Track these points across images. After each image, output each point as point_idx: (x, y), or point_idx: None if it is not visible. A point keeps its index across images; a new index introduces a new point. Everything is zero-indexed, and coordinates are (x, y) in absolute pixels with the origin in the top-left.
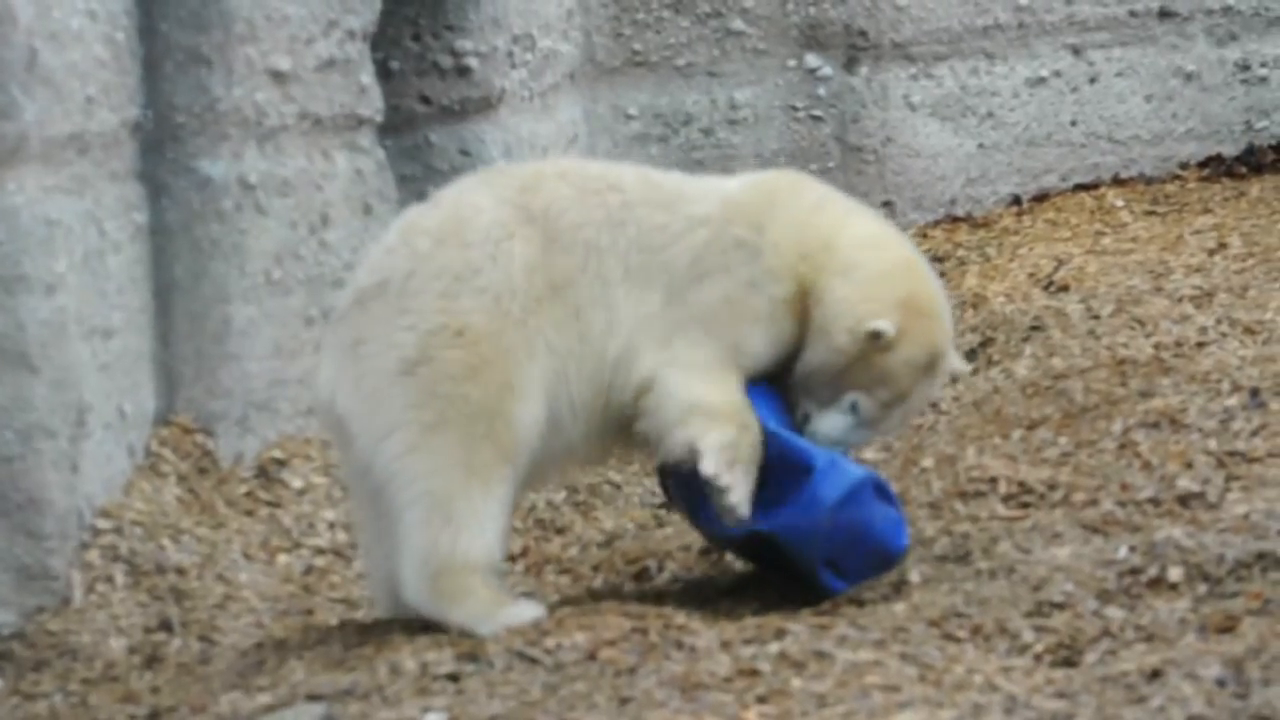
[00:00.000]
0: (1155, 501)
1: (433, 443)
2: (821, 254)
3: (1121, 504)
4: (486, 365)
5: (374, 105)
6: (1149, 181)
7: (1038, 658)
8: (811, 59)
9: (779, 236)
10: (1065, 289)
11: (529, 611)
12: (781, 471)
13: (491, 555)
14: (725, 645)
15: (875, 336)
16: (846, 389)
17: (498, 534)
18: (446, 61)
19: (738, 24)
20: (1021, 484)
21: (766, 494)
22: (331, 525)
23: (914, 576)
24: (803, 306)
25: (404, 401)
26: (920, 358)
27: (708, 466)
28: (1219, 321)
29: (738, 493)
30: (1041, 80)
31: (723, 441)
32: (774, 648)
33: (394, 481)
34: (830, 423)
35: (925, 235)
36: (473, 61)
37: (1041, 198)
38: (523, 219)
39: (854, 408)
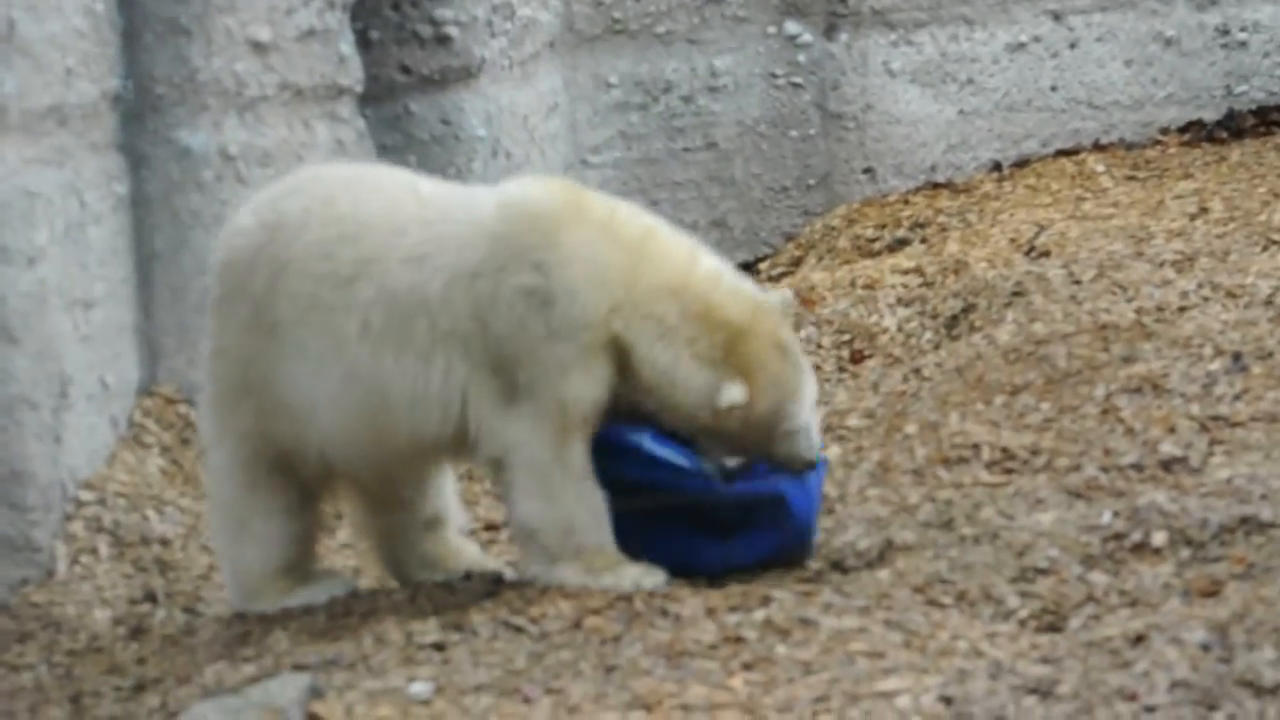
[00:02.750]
0: (1138, 466)
1: (220, 445)
2: (628, 310)
3: (1105, 469)
4: (247, 388)
5: (354, 75)
6: (1130, 147)
7: (1022, 623)
8: (791, 26)
9: (572, 280)
10: (1046, 254)
11: (321, 596)
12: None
13: (276, 559)
14: (710, 613)
15: (731, 407)
16: (767, 436)
17: (284, 540)
18: (426, 31)
19: None
20: (1004, 450)
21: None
22: None
23: (898, 543)
24: (620, 353)
25: (206, 404)
26: (782, 378)
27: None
28: (1200, 286)
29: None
30: (1021, 46)
31: (570, 576)
32: (759, 615)
33: (205, 465)
34: (790, 446)
35: (906, 202)
36: (452, 30)
37: (1022, 163)
38: (260, 257)
39: (789, 433)
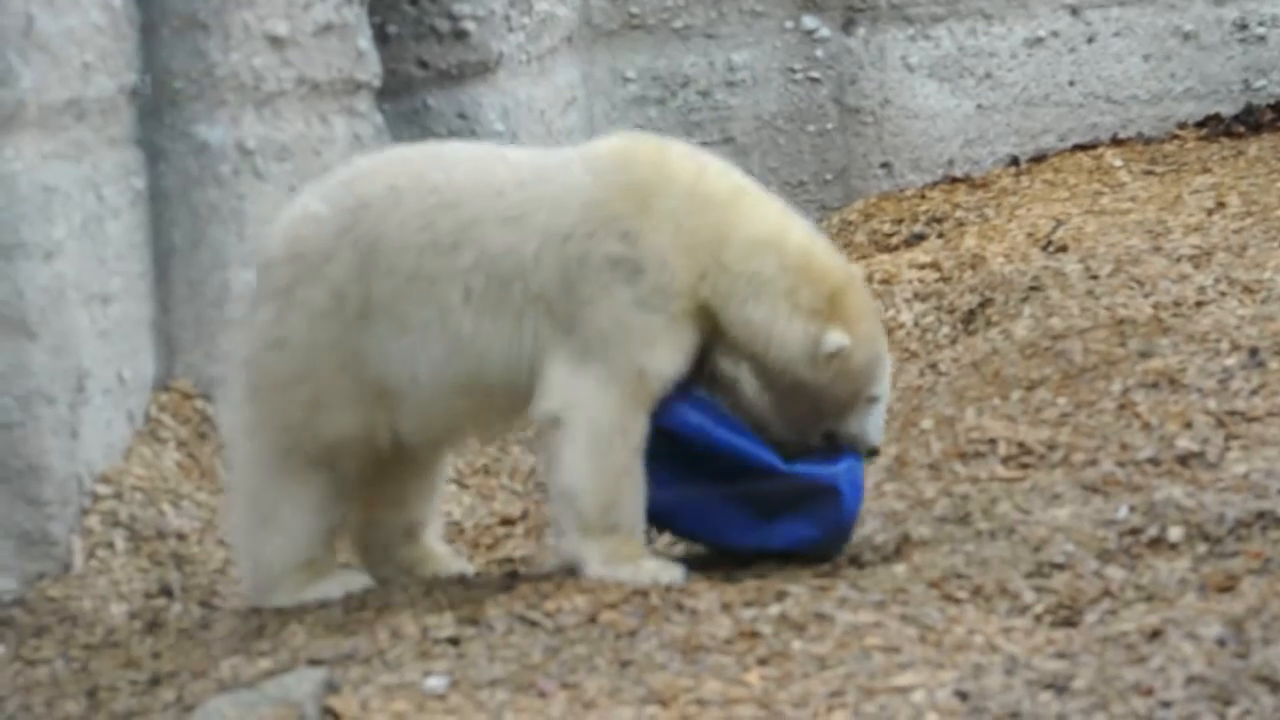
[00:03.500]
0: (1155, 461)
1: (253, 438)
2: (718, 274)
3: (1121, 464)
4: (298, 380)
5: (371, 70)
6: (1147, 141)
7: (1038, 618)
8: (809, 20)
9: (661, 249)
10: (1064, 249)
11: (337, 591)
12: (806, 497)
13: (300, 554)
14: (726, 607)
15: (833, 355)
16: (855, 397)
17: (310, 536)
18: (444, 25)
19: None
20: (1021, 444)
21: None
22: None
23: (914, 538)
24: (706, 319)
25: (241, 391)
26: (877, 334)
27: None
28: (1218, 281)
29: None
30: (1039, 40)
31: (594, 555)
32: (774, 610)
33: (230, 463)
34: (862, 424)
35: (924, 196)
36: (470, 25)
37: (1040, 158)
38: (343, 241)
39: (872, 399)
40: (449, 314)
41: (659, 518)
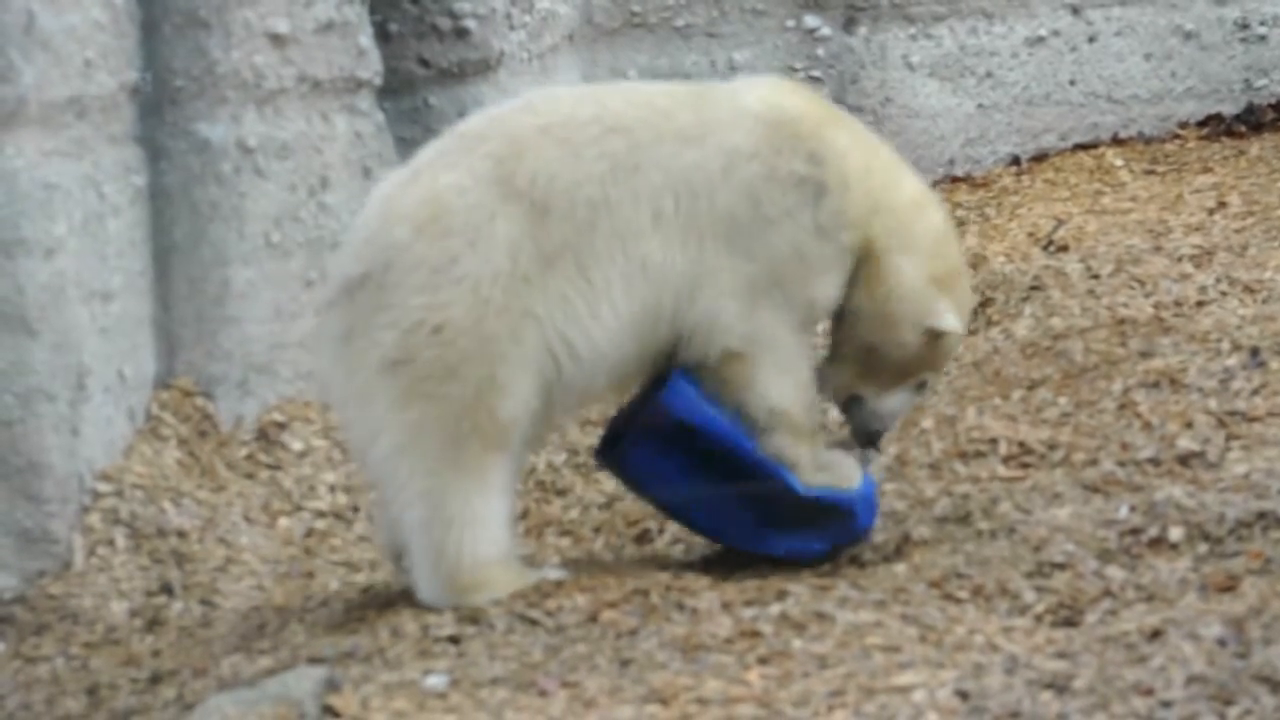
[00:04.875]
0: (1155, 461)
1: (419, 443)
2: (886, 215)
3: (1122, 464)
4: (466, 362)
5: (373, 68)
6: (1148, 141)
7: (1038, 618)
8: (810, 19)
9: (844, 173)
10: (1065, 249)
11: (555, 574)
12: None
13: (498, 546)
14: (726, 607)
15: (940, 332)
16: (916, 372)
17: (501, 522)
18: (445, 23)
19: None
20: (1022, 444)
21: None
22: (332, 488)
23: (915, 537)
24: (863, 260)
25: (388, 401)
26: (965, 326)
27: (797, 485)
28: (1218, 281)
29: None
30: (1040, 40)
31: (809, 462)
32: (775, 609)
33: (390, 482)
34: (892, 405)
35: None
36: (471, 23)
37: (1041, 157)
38: (505, 195)
39: (921, 385)
40: (636, 241)
41: (672, 509)
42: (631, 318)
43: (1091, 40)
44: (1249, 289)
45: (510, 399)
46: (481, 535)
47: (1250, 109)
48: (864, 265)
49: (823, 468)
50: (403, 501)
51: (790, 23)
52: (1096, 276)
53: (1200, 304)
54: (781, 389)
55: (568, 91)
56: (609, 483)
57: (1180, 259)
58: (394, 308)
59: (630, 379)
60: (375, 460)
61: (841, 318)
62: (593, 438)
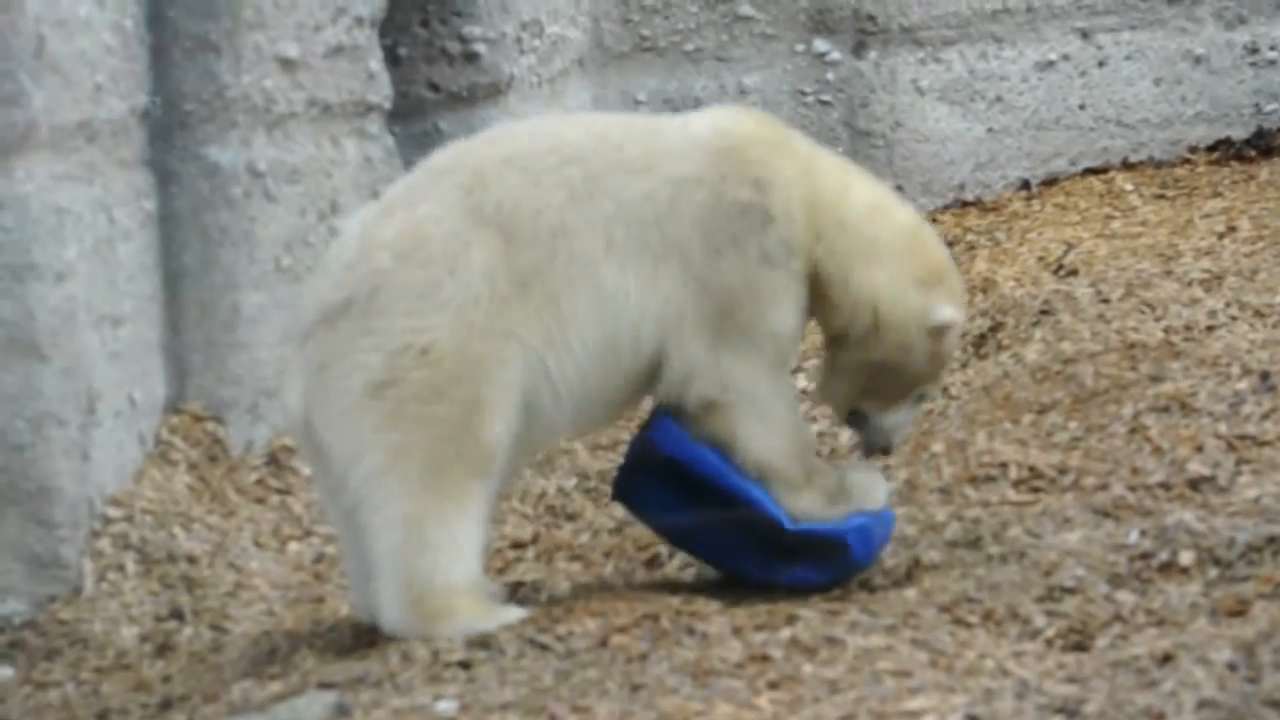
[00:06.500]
0: (1166, 486)
1: (402, 465)
2: (839, 234)
3: (1132, 488)
4: (453, 384)
5: (382, 92)
6: (1158, 165)
7: (1049, 642)
8: (820, 43)
9: (789, 200)
10: (1075, 273)
11: (515, 616)
12: (815, 551)
13: (471, 574)
14: (737, 631)
15: (942, 329)
16: (918, 384)
17: (476, 551)
18: (455, 48)
19: (746, 9)
20: (1032, 469)
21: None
22: None
23: (925, 562)
24: (816, 287)
25: (372, 423)
26: (961, 320)
27: (785, 520)
28: (1229, 305)
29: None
30: (1050, 64)
31: (813, 503)
32: (785, 634)
33: (366, 504)
34: (899, 418)
35: (934, 220)
36: (481, 48)
37: (1050, 182)
38: (476, 223)
39: (921, 397)
40: (593, 268)
41: (675, 538)
42: (598, 344)
43: (1101, 64)
44: (1259, 313)
45: (495, 421)
46: (456, 562)
47: (1260, 133)
48: (831, 289)
49: (837, 498)
50: (377, 524)
51: (800, 47)
52: (1107, 301)
53: (1210, 328)
54: (766, 443)
55: (527, 124)
56: (619, 507)
57: (1190, 283)
58: (380, 331)
59: (608, 410)
60: (354, 485)
61: (836, 344)
62: (603, 462)
